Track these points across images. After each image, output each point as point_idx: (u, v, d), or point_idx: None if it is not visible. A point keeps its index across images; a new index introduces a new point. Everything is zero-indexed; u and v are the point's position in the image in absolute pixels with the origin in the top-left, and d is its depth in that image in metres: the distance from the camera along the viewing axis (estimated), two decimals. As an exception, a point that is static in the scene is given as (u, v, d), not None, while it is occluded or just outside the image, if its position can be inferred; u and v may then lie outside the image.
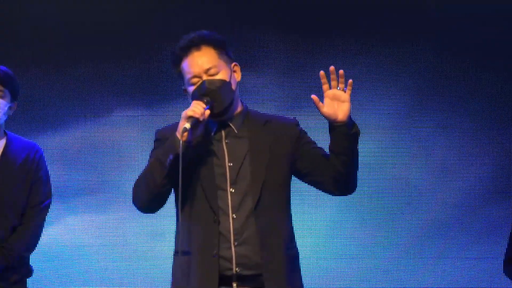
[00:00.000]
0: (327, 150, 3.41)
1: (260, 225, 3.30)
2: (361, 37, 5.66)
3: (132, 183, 3.40)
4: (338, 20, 5.66)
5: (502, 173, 5.74)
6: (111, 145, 5.54)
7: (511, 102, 5.74)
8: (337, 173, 3.36)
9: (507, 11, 5.72)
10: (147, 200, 3.32)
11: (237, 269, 3.29)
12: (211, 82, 3.32)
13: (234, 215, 3.31)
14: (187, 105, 3.29)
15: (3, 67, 4.03)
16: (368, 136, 5.40)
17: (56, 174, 5.07)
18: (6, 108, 3.99)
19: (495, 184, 5.73)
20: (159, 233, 5.48)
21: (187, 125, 3.19)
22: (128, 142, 5.55)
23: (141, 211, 3.38)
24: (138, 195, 3.34)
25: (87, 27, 5.53)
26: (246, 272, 3.30)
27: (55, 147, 5.48)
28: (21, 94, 4.16)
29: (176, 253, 3.41)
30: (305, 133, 3.50)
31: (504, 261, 4.36)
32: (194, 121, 3.21)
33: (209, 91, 3.29)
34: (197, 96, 3.30)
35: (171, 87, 5.53)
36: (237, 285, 3.30)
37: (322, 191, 3.49)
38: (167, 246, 5.38)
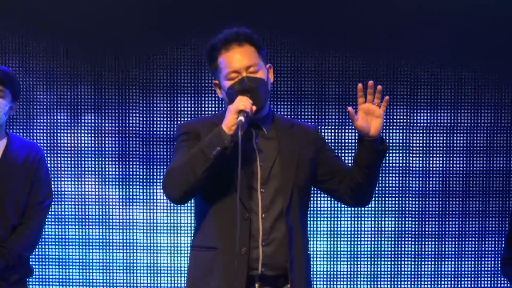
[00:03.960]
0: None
1: (289, 227, 3.31)
2: (361, 36, 5.67)
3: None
4: (338, 23, 5.67)
5: (502, 173, 5.74)
6: (111, 145, 5.54)
7: (511, 102, 5.75)
8: (356, 184, 3.39)
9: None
10: (183, 191, 3.27)
11: (262, 269, 3.29)
12: (252, 79, 3.32)
13: (263, 215, 3.31)
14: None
15: (3, 67, 4.02)
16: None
17: (56, 174, 5.07)
18: (6, 108, 3.99)
19: (495, 184, 5.73)
20: (159, 233, 5.48)
21: (242, 118, 3.19)
22: (128, 142, 5.54)
23: (173, 202, 3.33)
24: (173, 186, 3.29)
25: (87, 27, 5.53)
26: (270, 273, 3.30)
27: (55, 147, 5.48)
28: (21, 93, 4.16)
29: (197, 248, 3.38)
30: (325, 139, 3.52)
31: (501, 262, 4.38)
32: (245, 115, 3.21)
33: (249, 88, 3.29)
34: (235, 91, 3.30)
35: (171, 87, 5.53)
36: (259, 286, 3.30)
37: (337, 200, 3.51)
38: (167, 246, 5.43)
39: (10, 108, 4.02)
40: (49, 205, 4.12)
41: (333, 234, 5.59)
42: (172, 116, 5.47)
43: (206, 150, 3.20)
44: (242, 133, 3.18)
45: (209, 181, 3.26)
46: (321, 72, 5.64)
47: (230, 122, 3.20)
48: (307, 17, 5.64)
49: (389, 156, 5.59)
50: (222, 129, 3.21)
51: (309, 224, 5.27)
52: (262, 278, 3.30)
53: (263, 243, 3.29)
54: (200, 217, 3.39)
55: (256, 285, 3.29)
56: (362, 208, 5.19)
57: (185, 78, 5.50)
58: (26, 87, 5.31)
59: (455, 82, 5.73)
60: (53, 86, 5.51)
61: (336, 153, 3.55)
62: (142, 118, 5.56)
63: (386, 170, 5.62)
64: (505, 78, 5.74)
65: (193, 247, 3.40)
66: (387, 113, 5.53)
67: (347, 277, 5.62)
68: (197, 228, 3.40)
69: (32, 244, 4.07)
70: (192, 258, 3.39)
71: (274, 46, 5.55)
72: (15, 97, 4.03)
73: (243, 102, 3.23)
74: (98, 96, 5.54)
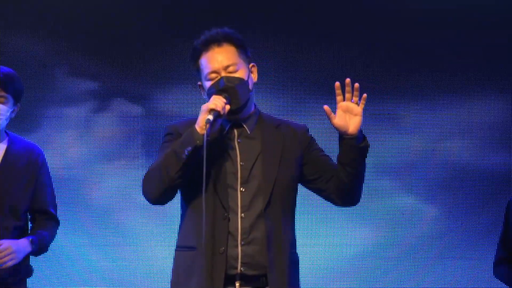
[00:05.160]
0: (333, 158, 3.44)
1: (268, 226, 3.31)
2: (361, 36, 5.68)
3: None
4: (338, 24, 5.67)
5: (502, 173, 5.74)
6: (111, 145, 5.54)
7: (511, 101, 5.75)
8: (341, 183, 3.38)
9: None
10: (159, 192, 3.30)
11: (241, 268, 3.29)
12: (229, 79, 3.32)
13: (243, 214, 3.31)
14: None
15: (5, 69, 3.95)
16: (368, 136, 5.41)
17: (56, 174, 5.07)
18: (8, 114, 3.94)
19: (495, 184, 5.73)
20: (159, 233, 5.48)
21: (210, 117, 3.19)
22: (128, 141, 5.54)
23: (151, 203, 3.37)
24: (149, 187, 3.32)
25: (87, 25, 5.54)
26: (250, 272, 3.30)
27: (55, 147, 5.48)
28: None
29: (179, 248, 3.40)
30: (314, 140, 3.52)
31: (494, 263, 4.39)
32: (216, 114, 3.21)
33: (227, 88, 3.30)
34: (214, 91, 3.30)
35: (171, 87, 5.53)
36: (240, 285, 3.30)
37: (326, 199, 3.50)
38: (167, 246, 5.41)
39: (12, 111, 3.98)
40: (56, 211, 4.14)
41: (332, 234, 5.59)
42: (174, 115, 5.47)
43: (179, 150, 3.22)
44: (209, 131, 3.18)
45: (186, 180, 3.27)
46: (321, 72, 5.64)
47: (201, 121, 3.21)
48: (307, 18, 5.64)
49: (389, 156, 5.65)
50: (194, 129, 3.22)
51: (308, 224, 5.27)
52: (242, 277, 3.29)
53: (242, 242, 3.29)
54: (182, 216, 3.41)
55: (236, 284, 3.29)
56: (362, 208, 5.22)
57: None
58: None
59: (455, 82, 5.73)
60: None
61: (333, 153, 3.55)
62: (142, 118, 5.56)
63: (386, 170, 5.63)
64: (505, 78, 5.73)
65: (176, 247, 3.42)
66: (388, 113, 5.64)
67: (347, 277, 5.61)
68: (180, 228, 3.41)
69: (51, 240, 4.09)
70: (175, 258, 3.41)
71: (275, 46, 5.55)
72: (16, 99, 3.98)
73: (215, 101, 3.23)
74: (98, 95, 5.55)
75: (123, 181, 5.49)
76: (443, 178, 5.72)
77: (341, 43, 5.65)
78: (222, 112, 3.23)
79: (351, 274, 5.62)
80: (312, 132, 3.55)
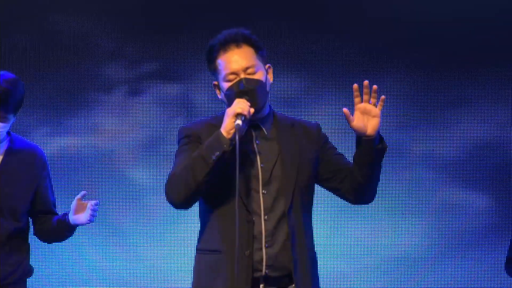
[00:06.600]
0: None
1: (291, 227, 3.31)
2: (362, 36, 5.68)
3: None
4: (340, 20, 5.67)
5: (503, 174, 5.74)
6: (111, 145, 5.54)
7: (511, 102, 5.76)
8: (357, 183, 3.39)
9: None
10: (185, 196, 3.27)
11: (266, 271, 3.29)
12: (249, 81, 3.31)
13: (266, 217, 3.31)
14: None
15: (2, 81, 3.82)
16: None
17: (56, 174, 5.07)
18: (7, 128, 3.88)
19: (495, 184, 5.73)
20: (159, 233, 5.48)
21: (239, 122, 3.18)
22: (128, 142, 5.54)
23: (176, 207, 3.33)
24: (175, 191, 3.28)
25: (85, 26, 5.55)
26: (273, 274, 3.30)
27: (55, 146, 5.47)
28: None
29: (201, 251, 3.39)
30: (328, 138, 3.52)
31: (507, 259, 4.38)
32: (243, 119, 3.20)
33: (247, 90, 3.28)
34: (233, 93, 3.30)
35: (170, 87, 5.53)
36: (263, 287, 3.30)
37: (340, 198, 3.51)
38: (167, 246, 5.43)
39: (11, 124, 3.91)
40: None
41: (333, 234, 5.59)
42: (173, 116, 5.47)
43: (206, 154, 3.20)
44: (239, 136, 3.17)
45: (211, 185, 3.25)
46: (322, 72, 5.64)
47: (228, 126, 3.20)
48: (309, 17, 5.64)
49: (389, 156, 5.64)
50: (221, 133, 3.21)
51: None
52: (266, 279, 3.30)
53: (266, 245, 3.29)
54: (203, 220, 3.39)
55: (261, 285, 3.29)
56: (362, 208, 5.23)
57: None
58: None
59: (455, 82, 5.73)
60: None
61: (343, 151, 3.55)
62: (142, 118, 5.56)
63: (387, 170, 5.61)
64: (505, 78, 5.74)
65: (197, 250, 3.41)
66: (388, 113, 5.63)
67: (347, 277, 5.61)
68: (201, 231, 3.40)
69: None
70: (197, 261, 3.40)
71: (275, 45, 5.56)
72: (17, 110, 3.89)
73: (240, 105, 3.22)
74: (98, 95, 5.55)
75: (124, 180, 5.49)
76: (442, 178, 5.72)
77: (341, 43, 5.66)
78: (248, 116, 3.23)
79: (351, 274, 5.63)
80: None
